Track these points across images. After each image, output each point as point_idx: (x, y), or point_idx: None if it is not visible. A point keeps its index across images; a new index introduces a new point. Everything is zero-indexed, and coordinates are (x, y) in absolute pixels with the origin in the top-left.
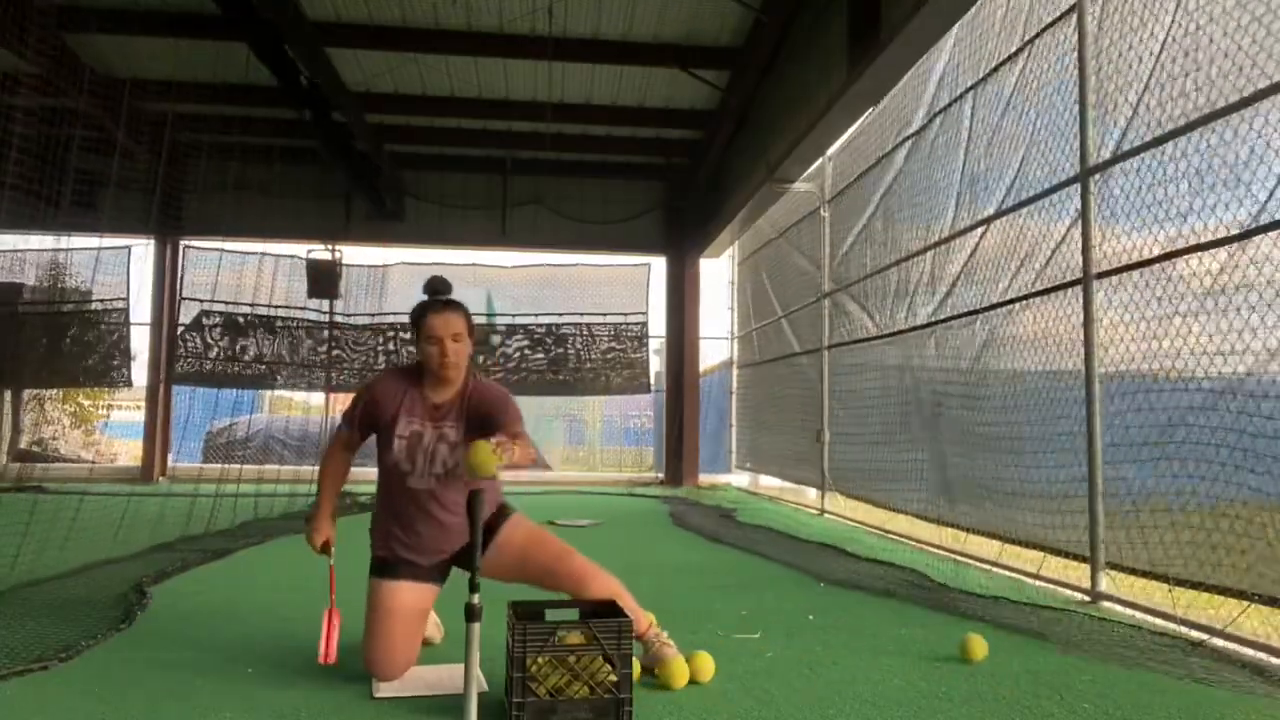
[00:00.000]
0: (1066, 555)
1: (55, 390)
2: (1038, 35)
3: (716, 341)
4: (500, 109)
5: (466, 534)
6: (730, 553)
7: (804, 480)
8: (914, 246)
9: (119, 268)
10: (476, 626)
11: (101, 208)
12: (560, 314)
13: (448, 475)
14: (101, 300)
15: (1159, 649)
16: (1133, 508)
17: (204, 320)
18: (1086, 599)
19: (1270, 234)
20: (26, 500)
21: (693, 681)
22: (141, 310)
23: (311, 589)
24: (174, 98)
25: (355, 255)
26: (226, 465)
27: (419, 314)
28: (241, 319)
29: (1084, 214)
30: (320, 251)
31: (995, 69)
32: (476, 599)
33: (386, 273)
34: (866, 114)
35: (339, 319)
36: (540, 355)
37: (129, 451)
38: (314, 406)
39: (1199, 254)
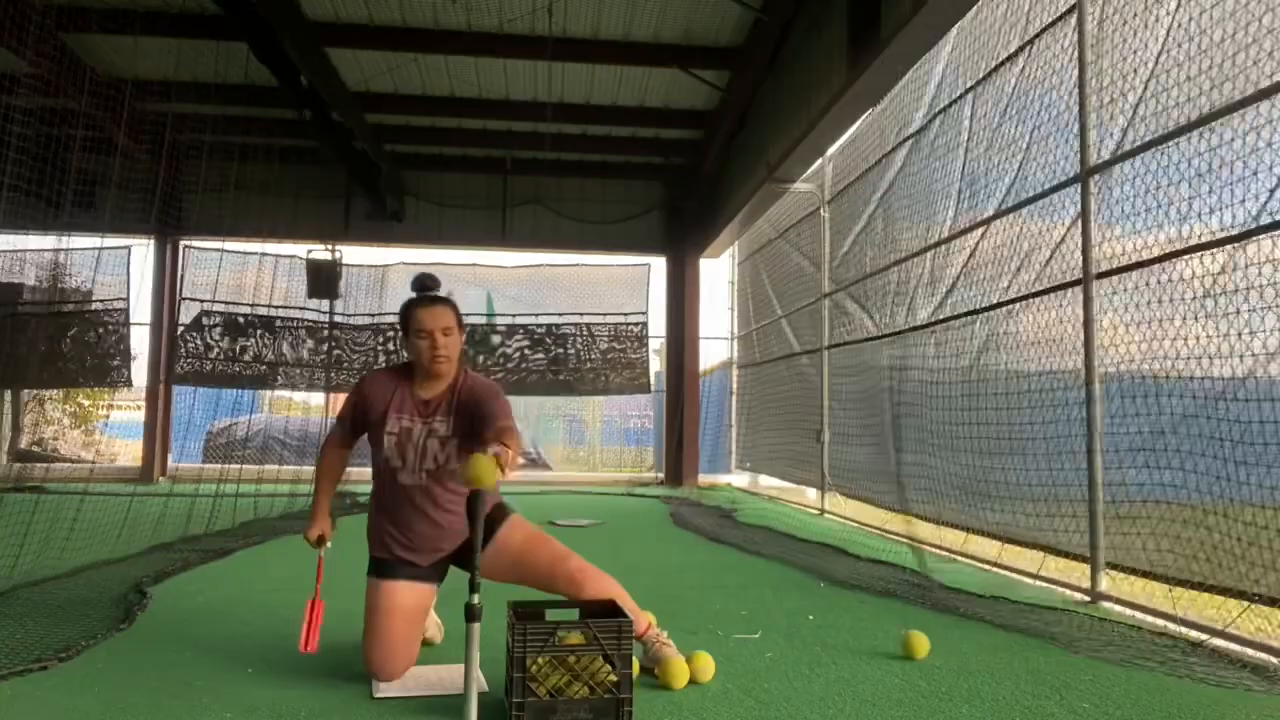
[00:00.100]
0: (1067, 555)
1: (55, 390)
2: (1038, 35)
3: (716, 341)
4: (500, 109)
5: (463, 532)
6: (730, 553)
7: (804, 480)
8: (914, 246)
9: (119, 268)
10: (476, 626)
11: (101, 208)
12: (560, 314)
13: (439, 470)
14: (101, 300)
15: (1159, 649)
16: (1129, 511)
17: (204, 320)
18: (1086, 599)
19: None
20: (27, 500)
21: (693, 681)
22: (141, 310)
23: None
24: (174, 98)
25: (355, 255)
26: (226, 465)
27: (407, 310)
28: (241, 319)
29: (1084, 214)
30: (320, 251)
31: (995, 69)
32: (476, 599)
33: (386, 273)
34: (866, 114)
35: (339, 319)
36: (540, 355)
37: (129, 451)
38: (314, 406)
39: (1199, 254)
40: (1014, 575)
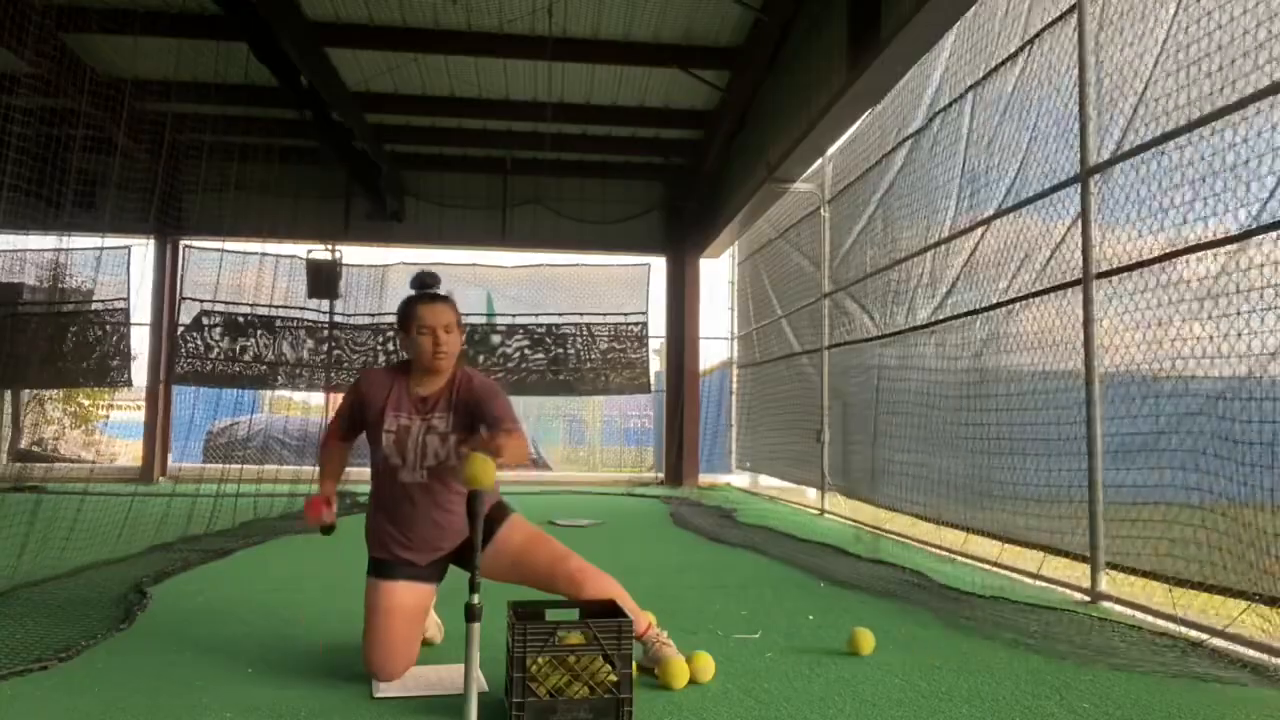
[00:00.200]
0: (1067, 555)
1: (55, 390)
2: (1038, 35)
3: (716, 341)
4: (500, 109)
5: (463, 531)
6: (730, 553)
7: (804, 480)
8: (914, 246)
9: (119, 268)
10: (476, 626)
11: (101, 208)
12: (560, 314)
13: (439, 467)
14: (102, 300)
15: (1159, 649)
16: (1129, 514)
17: (204, 320)
18: (1086, 599)
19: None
20: (27, 500)
21: (693, 681)
22: (142, 310)
23: (311, 589)
24: (174, 98)
25: (355, 255)
26: (227, 465)
27: (408, 307)
28: (241, 319)
29: (1084, 214)
30: (320, 251)
31: (995, 69)
32: (476, 599)
33: (386, 273)
34: (866, 114)
35: (339, 319)
36: (540, 355)
37: (129, 451)
38: (314, 406)
39: (1199, 254)
40: (1014, 575)
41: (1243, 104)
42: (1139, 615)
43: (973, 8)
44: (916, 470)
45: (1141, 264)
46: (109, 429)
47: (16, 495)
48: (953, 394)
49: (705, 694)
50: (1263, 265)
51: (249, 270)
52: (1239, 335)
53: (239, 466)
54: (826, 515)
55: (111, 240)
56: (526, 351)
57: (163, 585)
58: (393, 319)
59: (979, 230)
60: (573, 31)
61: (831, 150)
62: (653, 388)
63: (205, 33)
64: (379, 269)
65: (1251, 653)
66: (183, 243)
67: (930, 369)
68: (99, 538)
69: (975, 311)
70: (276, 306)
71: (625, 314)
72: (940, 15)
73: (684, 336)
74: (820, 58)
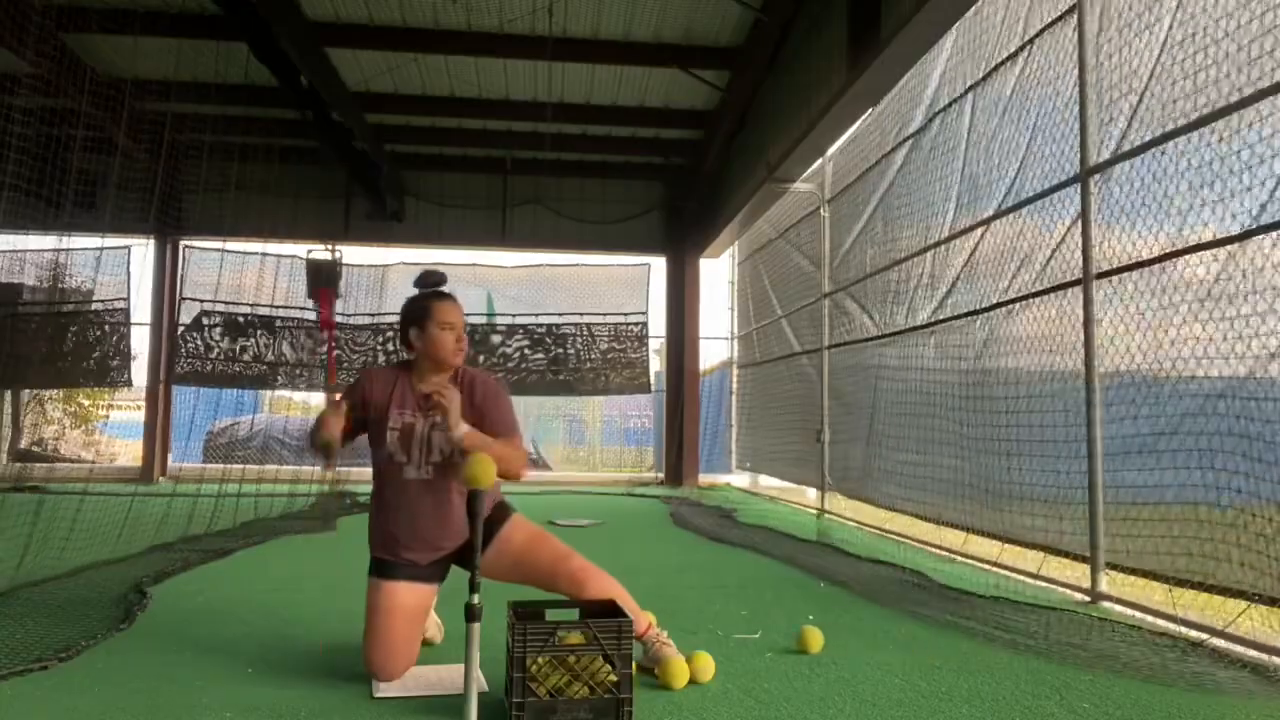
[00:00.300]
0: (1067, 555)
1: (55, 390)
2: (1037, 35)
3: (716, 341)
4: (500, 109)
5: (464, 530)
6: (730, 553)
7: (804, 480)
8: (914, 246)
9: (119, 268)
10: (476, 626)
11: (101, 208)
12: (560, 314)
13: (444, 463)
14: (102, 300)
15: (1159, 649)
16: (1129, 514)
17: (204, 320)
18: (1086, 599)
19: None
20: (27, 500)
21: (693, 681)
22: (142, 310)
23: (311, 589)
24: (174, 98)
25: (355, 255)
26: (227, 465)
27: (424, 302)
28: (241, 319)
29: (1084, 214)
30: (320, 251)
31: (995, 69)
32: (476, 599)
33: (386, 273)
34: (866, 114)
35: (339, 319)
36: (540, 355)
37: (129, 451)
38: (314, 406)
39: (1199, 254)
40: (1014, 575)
41: (1243, 104)
42: (1139, 615)
43: (972, 8)
44: (916, 470)
45: (1141, 264)
46: (109, 429)
47: (17, 495)
48: (953, 394)
49: (705, 694)
50: (1263, 267)
51: (249, 270)
52: (1239, 336)
53: (239, 466)
54: (826, 515)
55: (111, 240)
56: (526, 351)
57: (163, 585)
58: (392, 319)
59: (979, 230)
60: (573, 31)
61: (831, 150)
62: (653, 388)
63: (205, 33)
64: (379, 269)
65: (1251, 653)
66: (183, 243)
67: (930, 369)
68: (99, 538)
69: (975, 312)
70: (276, 306)
71: (625, 314)
72: (940, 15)
73: (684, 336)
74: (820, 58)
